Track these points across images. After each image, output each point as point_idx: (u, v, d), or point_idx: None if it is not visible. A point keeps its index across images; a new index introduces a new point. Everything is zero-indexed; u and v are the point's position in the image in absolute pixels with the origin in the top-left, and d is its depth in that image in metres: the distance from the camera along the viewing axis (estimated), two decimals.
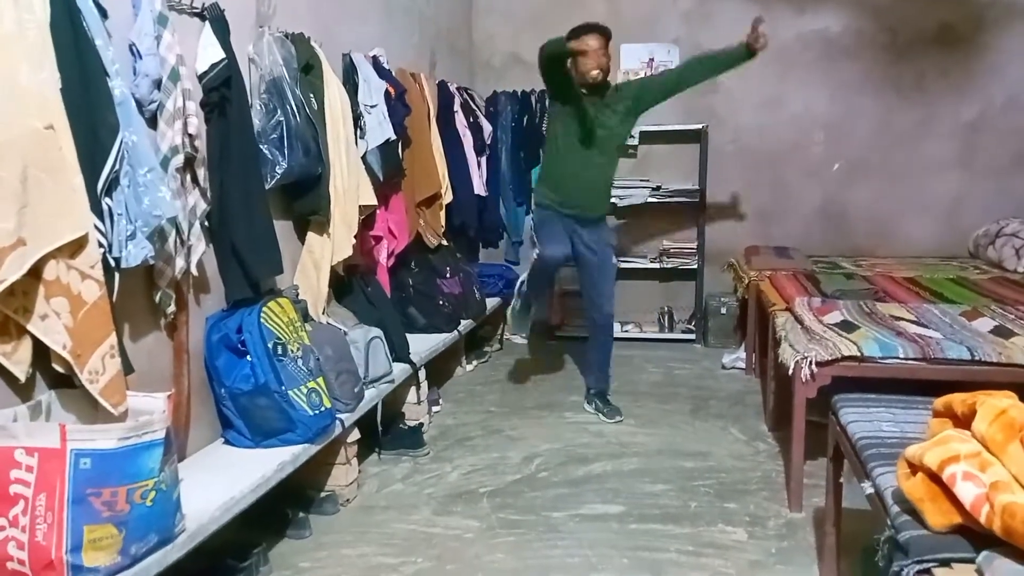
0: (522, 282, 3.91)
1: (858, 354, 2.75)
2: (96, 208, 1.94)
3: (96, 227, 1.94)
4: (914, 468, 1.49)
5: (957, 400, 1.55)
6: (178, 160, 2.29)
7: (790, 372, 2.83)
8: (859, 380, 2.71)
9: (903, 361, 2.73)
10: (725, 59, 3.75)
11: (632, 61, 5.42)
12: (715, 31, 5.36)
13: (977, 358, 2.67)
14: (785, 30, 5.29)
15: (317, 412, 2.67)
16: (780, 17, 5.29)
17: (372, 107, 3.51)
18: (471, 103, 5.07)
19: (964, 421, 1.49)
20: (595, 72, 3.62)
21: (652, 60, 5.42)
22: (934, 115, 5.22)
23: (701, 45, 5.37)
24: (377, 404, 3.27)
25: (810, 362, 2.77)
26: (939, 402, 1.61)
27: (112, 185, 2.00)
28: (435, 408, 3.94)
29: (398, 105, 3.74)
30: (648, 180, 5.40)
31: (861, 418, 2.26)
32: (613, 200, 5.20)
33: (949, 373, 2.66)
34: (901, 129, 5.26)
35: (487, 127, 5.15)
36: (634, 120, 3.83)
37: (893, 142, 5.28)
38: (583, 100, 3.66)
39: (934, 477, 1.43)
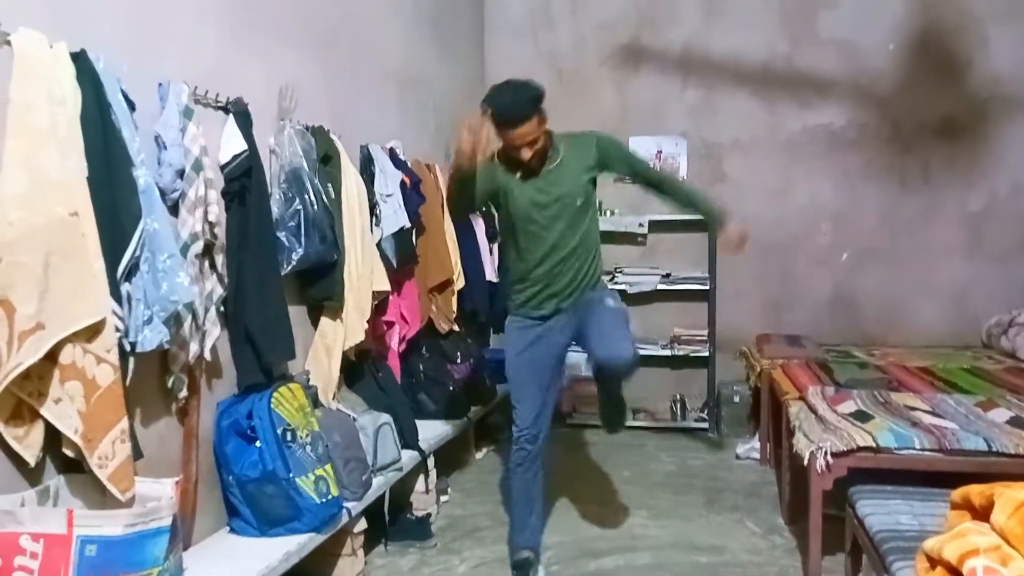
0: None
1: (874, 445, 2.71)
2: (115, 293, 1.98)
3: (114, 311, 1.97)
4: (933, 562, 1.45)
5: (975, 492, 1.52)
6: (197, 247, 2.34)
7: (805, 463, 2.79)
8: (875, 471, 2.67)
9: (919, 452, 2.69)
10: (699, 207, 3.15)
11: (641, 153, 5.54)
12: (721, 124, 5.51)
13: (994, 449, 2.63)
14: (791, 123, 5.43)
15: (324, 500, 2.63)
16: (786, 111, 5.44)
17: (388, 196, 3.60)
18: None
19: (983, 513, 1.46)
20: (532, 163, 2.81)
21: (660, 152, 5.54)
22: (940, 205, 5.28)
23: (708, 138, 5.53)
24: (385, 493, 3.23)
25: (825, 452, 2.73)
26: (957, 494, 1.58)
27: (132, 270, 2.05)
28: (444, 497, 3.87)
29: (413, 194, 3.83)
30: (657, 268, 5.45)
31: (879, 510, 2.22)
32: (622, 287, 5.27)
33: (966, 465, 2.61)
34: (908, 218, 5.32)
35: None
36: (594, 174, 2.94)
37: (900, 231, 5.33)
38: (514, 183, 2.86)
39: (954, 572, 1.39)
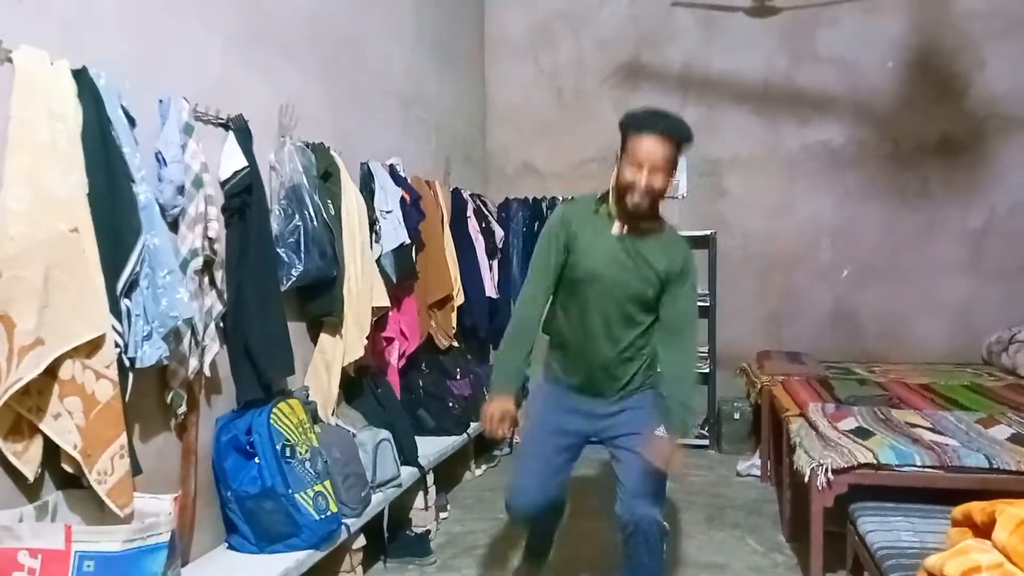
0: None
1: (874, 461, 2.70)
2: (115, 308, 1.98)
3: (114, 327, 1.97)
4: None
5: (976, 509, 1.52)
6: (197, 263, 2.34)
7: (806, 480, 2.78)
8: (876, 488, 2.66)
9: (920, 469, 2.69)
10: (675, 402, 2.45)
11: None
12: (721, 141, 5.53)
13: (995, 466, 2.62)
14: (790, 140, 5.45)
15: (323, 516, 2.62)
16: (785, 127, 5.47)
17: (388, 212, 3.61)
18: (484, 209, 5.19)
19: (984, 530, 1.46)
20: (635, 198, 2.31)
21: None
22: (940, 222, 5.29)
23: (708, 155, 5.55)
24: (384, 509, 3.21)
25: (826, 469, 2.72)
26: (958, 511, 1.58)
27: (132, 286, 2.05)
28: (443, 514, 3.86)
29: (413, 211, 3.84)
30: None
31: (880, 527, 2.21)
32: None
33: (967, 481, 2.61)
34: (908, 235, 5.33)
35: (499, 232, 5.25)
36: (663, 283, 2.42)
37: (900, 248, 5.34)
38: (603, 235, 2.41)
39: None
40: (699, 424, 5.40)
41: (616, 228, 2.40)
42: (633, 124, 2.31)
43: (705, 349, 5.37)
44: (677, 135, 2.31)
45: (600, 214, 2.43)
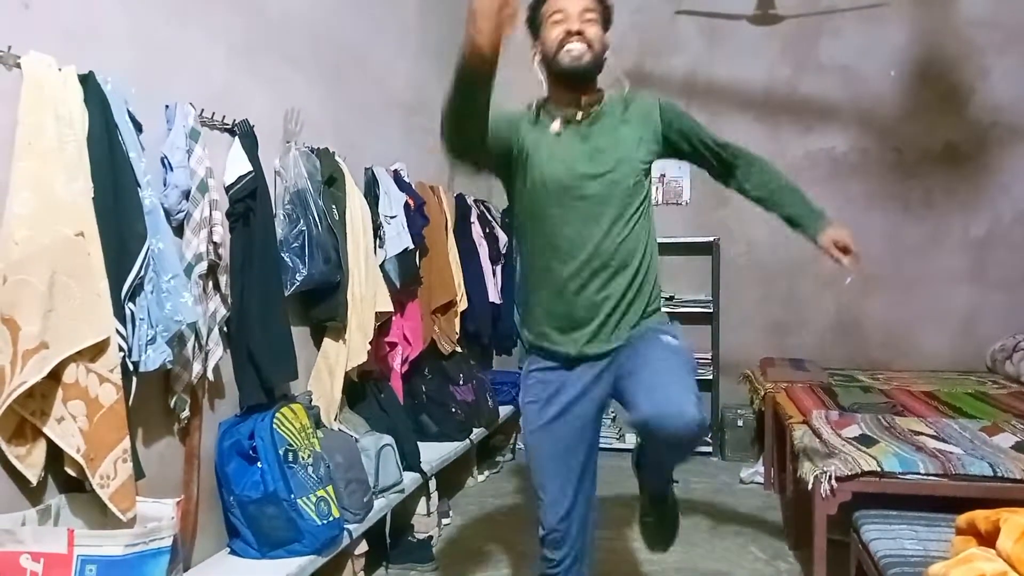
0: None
1: (878, 469, 2.70)
2: (119, 312, 1.98)
3: (118, 331, 1.97)
4: None
5: (980, 517, 1.52)
6: (202, 267, 2.35)
7: (809, 487, 2.78)
8: (880, 496, 2.65)
9: (924, 477, 2.68)
10: (797, 204, 2.51)
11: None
12: None
13: (999, 474, 2.61)
14: (793, 148, 5.45)
15: (325, 522, 2.62)
16: (788, 135, 5.47)
17: (392, 218, 3.61)
18: (487, 214, 5.20)
19: (988, 539, 1.45)
20: (571, 45, 1.97)
21: (664, 176, 5.57)
22: (943, 230, 5.29)
23: None
24: (386, 515, 3.21)
25: (829, 477, 2.71)
26: (962, 519, 1.58)
27: (136, 290, 2.06)
28: (445, 520, 3.85)
29: (417, 216, 3.85)
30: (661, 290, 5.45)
31: (883, 535, 2.20)
32: None
33: (971, 490, 2.60)
34: (911, 243, 5.32)
35: (503, 237, 5.25)
36: (654, 150, 2.13)
37: (904, 256, 5.33)
38: (548, 136, 2.04)
39: None
40: None
41: (558, 124, 2.02)
42: None
43: (708, 356, 5.37)
44: None
45: (541, 118, 2.06)
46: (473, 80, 1.79)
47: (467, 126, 1.87)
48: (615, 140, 2.03)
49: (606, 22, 2.07)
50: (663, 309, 2.23)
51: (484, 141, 1.92)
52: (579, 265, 2.01)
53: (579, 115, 2.04)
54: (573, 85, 2.01)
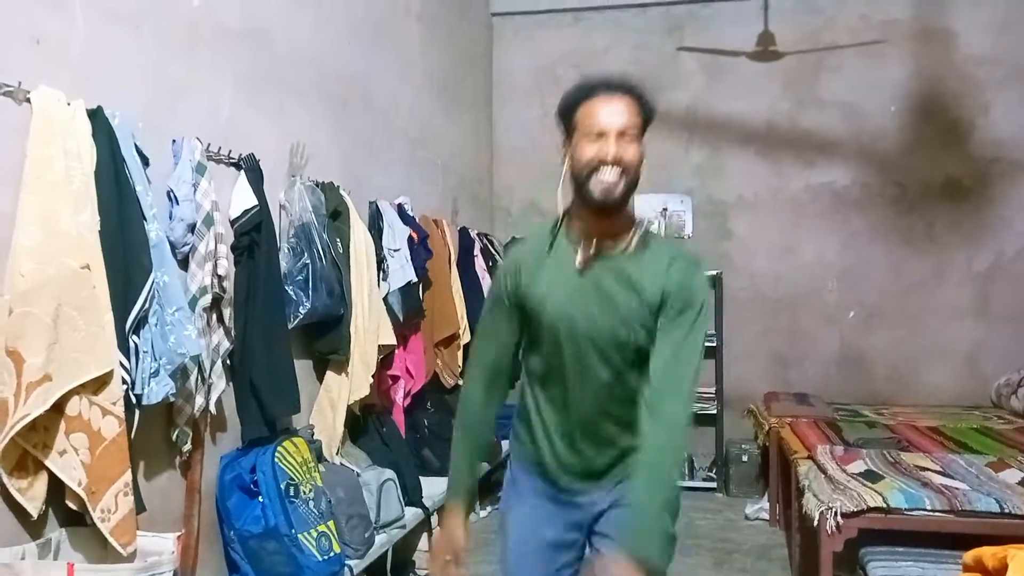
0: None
1: (884, 505, 2.67)
2: (123, 345, 1.99)
3: (121, 364, 1.97)
4: None
5: (988, 554, 1.50)
6: (206, 300, 2.36)
7: (815, 523, 2.75)
8: (886, 532, 2.63)
9: (930, 513, 2.66)
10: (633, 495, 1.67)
11: (646, 210, 5.60)
12: (726, 182, 5.58)
13: (1006, 510, 2.59)
14: (795, 182, 5.49)
15: (326, 557, 2.60)
16: (790, 169, 5.51)
17: (395, 251, 3.63)
18: (490, 248, 5.22)
19: (996, 575, 1.44)
20: (605, 175, 1.67)
21: (666, 210, 5.60)
22: (946, 265, 5.30)
23: (712, 196, 5.59)
24: (388, 551, 3.18)
25: (835, 513, 2.69)
26: (969, 556, 1.56)
27: (140, 323, 2.06)
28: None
29: (420, 249, 3.87)
30: None
31: (890, 572, 2.18)
32: None
33: (978, 526, 2.57)
34: (914, 278, 5.33)
35: None
36: (652, 329, 1.73)
37: (907, 290, 5.33)
38: (563, 269, 1.75)
39: None
40: (706, 467, 5.35)
41: (581, 256, 1.73)
42: (582, 92, 1.72)
43: (712, 390, 5.35)
44: (639, 93, 1.76)
45: (557, 246, 1.78)
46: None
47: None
48: (638, 281, 1.73)
49: (646, 127, 1.78)
50: None
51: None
52: (578, 410, 1.80)
53: (603, 250, 1.74)
54: (601, 212, 1.72)
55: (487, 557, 3.89)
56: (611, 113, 1.69)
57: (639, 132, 1.74)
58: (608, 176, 1.66)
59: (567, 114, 1.75)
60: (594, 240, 1.73)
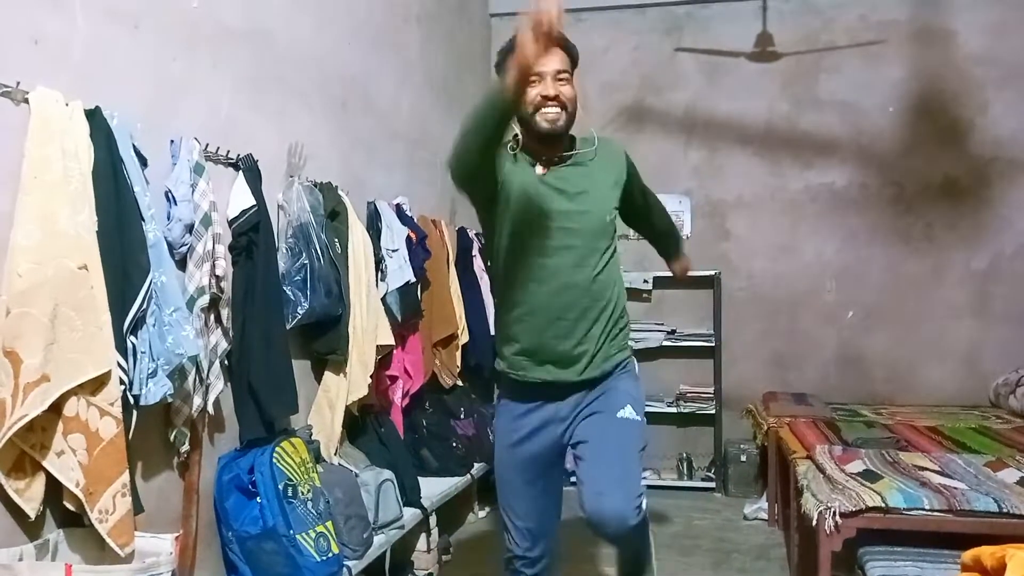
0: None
1: (882, 505, 2.67)
2: (121, 346, 1.99)
3: (119, 364, 1.97)
4: None
5: (986, 553, 1.50)
6: (204, 300, 2.36)
7: (814, 523, 2.75)
8: (885, 532, 2.63)
9: (929, 513, 2.66)
10: (673, 242, 2.70)
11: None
12: (725, 183, 5.58)
13: (1005, 510, 2.59)
14: (793, 182, 5.49)
15: (324, 558, 2.59)
16: (788, 170, 5.51)
17: (394, 251, 3.63)
18: None
19: (994, 575, 1.44)
20: (548, 109, 2.06)
21: None
22: (945, 264, 5.30)
23: (711, 196, 5.59)
24: (386, 551, 3.18)
25: (834, 513, 2.69)
26: (967, 555, 1.56)
27: (138, 323, 2.06)
28: (445, 556, 3.81)
29: (419, 249, 3.87)
30: (663, 324, 5.46)
31: (889, 572, 2.18)
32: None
33: (976, 526, 2.57)
34: (913, 277, 5.33)
35: None
36: (618, 194, 2.25)
37: (906, 290, 5.34)
38: (528, 174, 2.15)
39: None
40: (704, 467, 5.36)
41: (539, 168, 2.14)
42: (513, 47, 1.90)
43: (711, 390, 5.35)
44: (566, 44, 2.09)
45: (519, 159, 2.15)
46: (509, 109, 1.94)
47: (488, 155, 2.05)
48: (591, 182, 2.17)
49: (574, 68, 2.15)
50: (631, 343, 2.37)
51: (494, 170, 2.11)
52: (556, 294, 2.12)
53: (557, 159, 2.16)
54: (549, 141, 2.13)
55: (486, 557, 3.89)
56: (547, 58, 1.95)
57: (571, 74, 2.10)
58: (551, 111, 2.05)
59: (502, 63, 2.02)
60: (548, 154, 2.14)
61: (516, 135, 2.16)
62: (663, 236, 2.67)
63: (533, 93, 2.05)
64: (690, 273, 2.74)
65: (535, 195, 2.12)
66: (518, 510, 2.24)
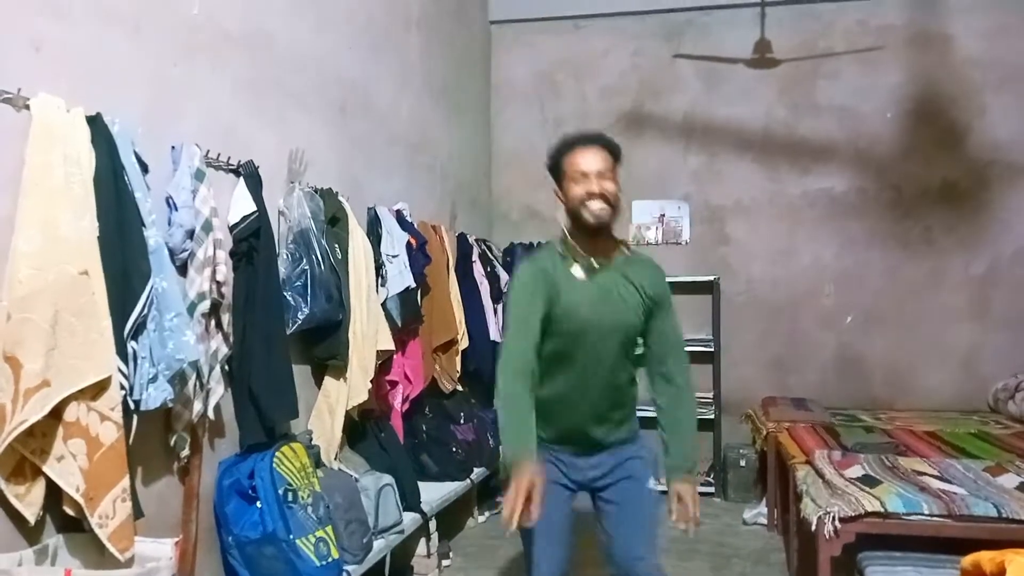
0: None
1: (882, 510, 2.68)
2: (121, 351, 1.99)
3: (119, 370, 1.97)
4: None
5: (986, 559, 1.50)
6: (204, 306, 2.36)
7: (813, 528, 2.75)
8: (884, 537, 2.63)
9: (928, 518, 2.66)
10: (673, 445, 2.37)
11: (643, 216, 5.62)
12: (724, 188, 5.59)
13: (1004, 515, 2.59)
14: (792, 187, 5.51)
15: (324, 563, 2.59)
16: (786, 175, 5.53)
17: (394, 257, 3.63)
18: (489, 253, 5.22)
19: None
20: (593, 204, 2.20)
21: (663, 216, 5.61)
22: (943, 268, 5.31)
23: (710, 201, 5.60)
24: (386, 556, 3.18)
25: (833, 518, 2.69)
26: (967, 561, 1.56)
27: (139, 329, 2.06)
28: (445, 562, 3.81)
29: (419, 255, 3.87)
30: None
31: None
32: None
33: (976, 531, 2.58)
34: (912, 282, 5.34)
35: (504, 276, 5.28)
36: (649, 310, 2.31)
37: (904, 294, 5.34)
38: (572, 280, 2.25)
39: None
40: (704, 471, 5.35)
41: (581, 270, 2.26)
42: (563, 148, 2.28)
43: (710, 395, 5.35)
44: (608, 144, 2.29)
45: (567, 261, 2.28)
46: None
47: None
48: (627, 291, 2.28)
49: (617, 167, 2.29)
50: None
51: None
52: (588, 390, 2.29)
53: (597, 264, 2.27)
54: (594, 233, 2.26)
55: (485, 562, 3.89)
56: (590, 159, 2.23)
57: (613, 171, 2.26)
58: (597, 206, 2.20)
59: (555, 165, 2.29)
60: (592, 256, 2.26)
61: (563, 231, 2.33)
62: (672, 423, 2.37)
63: (579, 190, 2.21)
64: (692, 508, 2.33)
65: (575, 299, 2.24)
66: (546, 559, 2.32)
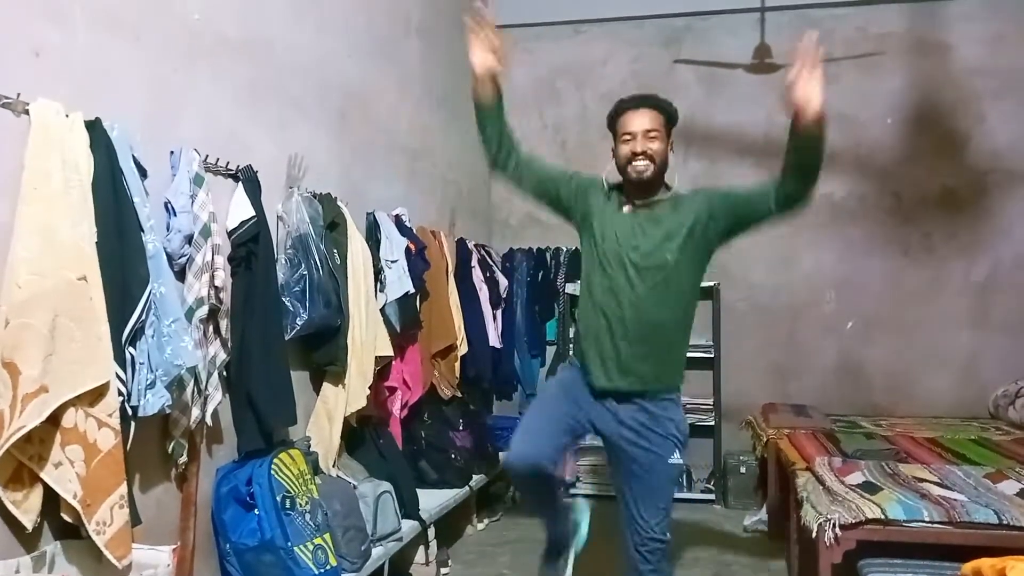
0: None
1: (882, 517, 2.67)
2: (119, 357, 1.98)
3: (118, 375, 1.97)
4: None
5: (987, 565, 1.50)
6: (203, 311, 2.36)
7: (813, 535, 2.75)
8: (884, 544, 2.62)
9: (928, 524, 2.65)
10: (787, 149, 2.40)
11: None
12: None
13: (1005, 522, 2.59)
14: None
15: (322, 570, 2.59)
16: None
17: (393, 262, 3.63)
18: (488, 259, 5.22)
19: None
20: (637, 162, 2.40)
21: None
22: (943, 275, 5.30)
23: None
24: (384, 563, 3.16)
25: (833, 524, 2.69)
26: (967, 567, 1.56)
27: (137, 334, 2.06)
28: (444, 569, 3.79)
29: (418, 260, 3.87)
30: None
31: None
32: None
33: (976, 537, 2.57)
34: (912, 288, 5.33)
35: (503, 282, 5.28)
36: (697, 247, 2.48)
37: (905, 301, 5.34)
38: (611, 210, 2.49)
39: None
40: (704, 478, 5.35)
41: (627, 208, 2.48)
42: (613, 111, 2.53)
43: (710, 402, 5.34)
44: (658, 104, 2.49)
45: (612, 198, 2.53)
46: (479, 110, 2.75)
47: (485, 132, 2.78)
48: (666, 226, 2.43)
49: (670, 125, 2.50)
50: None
51: (502, 149, 2.78)
52: (622, 317, 2.43)
53: (641, 203, 2.49)
54: (640, 187, 2.46)
55: (485, 570, 3.88)
56: (636, 120, 2.45)
57: (662, 130, 2.46)
58: (641, 164, 2.42)
59: (611, 125, 2.55)
60: (636, 199, 2.48)
61: (611, 181, 2.57)
62: (792, 153, 2.36)
63: (624, 149, 2.45)
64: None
65: (612, 227, 2.47)
66: (532, 426, 2.50)
